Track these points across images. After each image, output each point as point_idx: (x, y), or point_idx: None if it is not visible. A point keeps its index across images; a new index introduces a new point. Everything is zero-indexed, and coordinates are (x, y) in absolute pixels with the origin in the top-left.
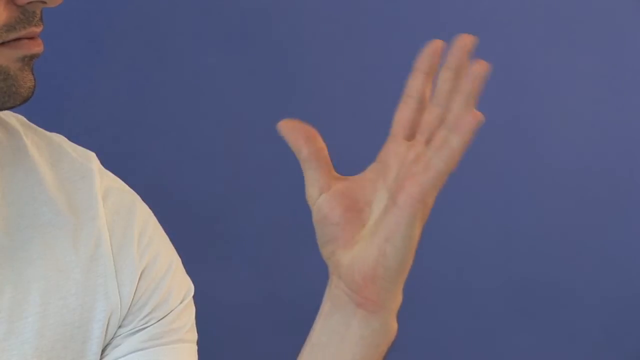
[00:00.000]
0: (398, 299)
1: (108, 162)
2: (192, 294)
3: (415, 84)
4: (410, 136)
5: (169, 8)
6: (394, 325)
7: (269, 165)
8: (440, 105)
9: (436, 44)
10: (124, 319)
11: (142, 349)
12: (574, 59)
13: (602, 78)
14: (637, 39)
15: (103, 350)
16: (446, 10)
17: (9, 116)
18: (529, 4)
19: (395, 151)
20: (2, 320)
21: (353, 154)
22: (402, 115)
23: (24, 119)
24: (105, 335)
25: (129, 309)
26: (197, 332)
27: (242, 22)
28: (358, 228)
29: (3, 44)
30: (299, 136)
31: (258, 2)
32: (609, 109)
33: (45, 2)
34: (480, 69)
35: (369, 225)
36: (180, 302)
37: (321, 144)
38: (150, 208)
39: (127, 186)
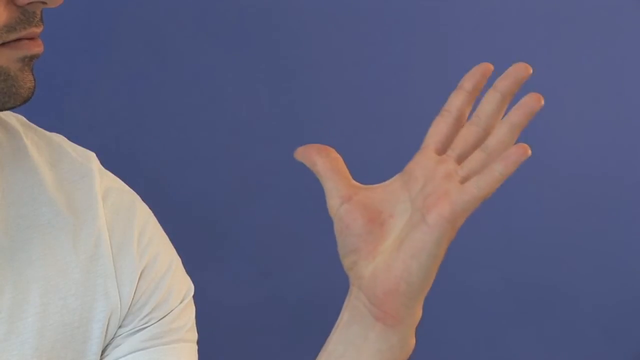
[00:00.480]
0: (418, 315)
1: (108, 162)
2: (192, 293)
3: (456, 100)
4: (441, 151)
5: (169, 8)
6: (411, 341)
7: (269, 166)
8: (481, 125)
9: (486, 67)
10: (124, 319)
11: (142, 349)
12: (574, 59)
13: (602, 78)
14: (637, 39)
15: (103, 350)
16: (446, 10)
17: (9, 116)
18: (529, 4)
19: (424, 164)
20: (2, 320)
21: (353, 154)
22: (438, 129)
23: (24, 119)
24: (106, 335)
25: (129, 308)
26: (198, 332)
27: (242, 22)
28: (381, 240)
29: (3, 44)
30: (312, 152)
31: (258, 2)
32: (609, 110)
33: (45, 3)
34: (535, 103)
35: (393, 238)
36: (180, 302)
37: (335, 154)
38: (150, 208)
39: (127, 186)
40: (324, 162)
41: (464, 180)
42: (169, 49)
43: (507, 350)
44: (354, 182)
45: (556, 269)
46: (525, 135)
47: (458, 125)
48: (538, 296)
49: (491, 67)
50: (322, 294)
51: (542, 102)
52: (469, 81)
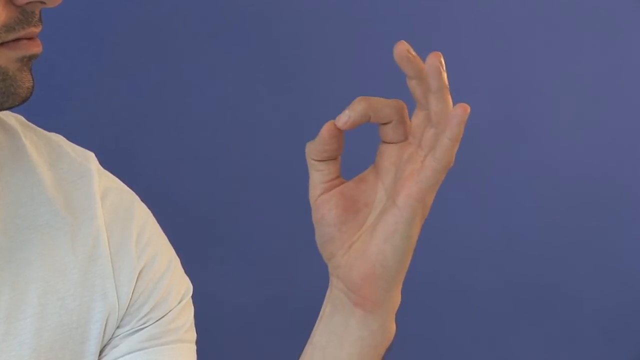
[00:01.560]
0: (396, 300)
1: (107, 162)
2: (191, 293)
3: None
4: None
5: (169, 8)
6: (392, 327)
7: (269, 166)
8: (423, 107)
9: (403, 49)
10: (122, 319)
11: (140, 349)
12: (573, 59)
13: (602, 78)
14: (637, 39)
15: (101, 351)
16: (447, 10)
17: (7, 116)
18: (529, 4)
19: (390, 153)
20: (0, 321)
21: (353, 154)
22: None
23: (23, 119)
24: (104, 336)
25: (127, 309)
26: (197, 332)
27: (242, 22)
28: (355, 229)
29: (2, 44)
30: (335, 140)
31: (258, 2)
32: (610, 110)
33: (44, 3)
34: (433, 61)
35: (367, 225)
36: (179, 302)
37: (342, 146)
38: (149, 208)
39: (125, 186)
40: (333, 149)
41: (425, 158)
42: (169, 49)
43: (507, 350)
44: (340, 178)
45: (556, 269)
46: (526, 135)
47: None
48: (538, 296)
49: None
50: (322, 294)
51: (439, 55)
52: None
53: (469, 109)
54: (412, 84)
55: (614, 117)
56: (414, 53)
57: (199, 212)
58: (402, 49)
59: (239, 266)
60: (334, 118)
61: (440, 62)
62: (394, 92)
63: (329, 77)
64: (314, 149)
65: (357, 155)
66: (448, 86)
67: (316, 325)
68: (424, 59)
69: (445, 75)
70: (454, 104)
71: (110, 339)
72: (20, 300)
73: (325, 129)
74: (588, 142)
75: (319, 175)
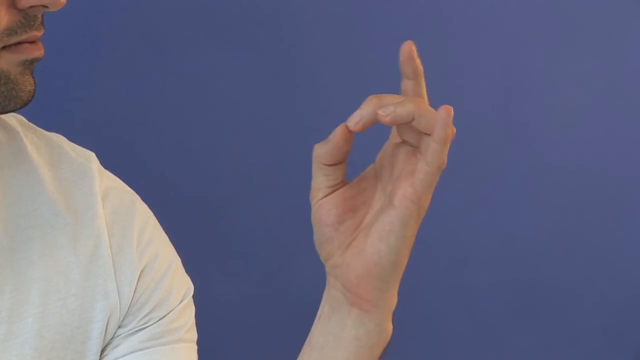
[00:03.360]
0: (393, 300)
1: (108, 162)
2: (192, 293)
3: (406, 88)
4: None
5: (168, 8)
6: (388, 327)
7: (270, 165)
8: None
9: (409, 48)
10: (123, 319)
11: (141, 349)
12: (574, 59)
13: (602, 78)
14: (637, 40)
15: (103, 351)
16: (447, 10)
17: (8, 116)
18: (528, 4)
19: (390, 152)
20: (1, 321)
21: (353, 153)
22: None
23: (24, 119)
24: (105, 336)
25: (128, 309)
26: (198, 332)
27: (241, 21)
28: (353, 229)
29: (4, 47)
30: (343, 144)
31: (258, 1)
32: (610, 110)
33: (47, 7)
34: (406, 53)
35: (364, 224)
36: (180, 302)
37: (349, 150)
38: (150, 208)
39: (126, 186)
40: (342, 154)
41: (418, 161)
42: (169, 48)
43: (506, 350)
44: (344, 180)
45: (556, 268)
46: (526, 134)
47: None
48: (538, 296)
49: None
50: (322, 295)
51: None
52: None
53: (452, 111)
54: (407, 84)
55: (614, 117)
56: (417, 55)
57: (199, 212)
58: (409, 49)
59: (239, 266)
60: (335, 117)
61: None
62: (395, 92)
63: (330, 76)
64: (325, 154)
65: (357, 155)
66: (425, 96)
67: (314, 325)
68: (426, 57)
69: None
70: (454, 102)
71: (112, 338)
72: (22, 300)
73: (339, 133)
74: (588, 142)
75: (325, 180)
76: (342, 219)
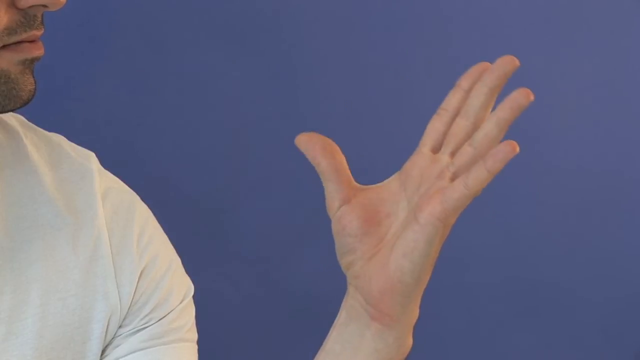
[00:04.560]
0: (414, 314)
1: (108, 162)
2: (192, 293)
3: (453, 99)
4: (438, 150)
5: (169, 8)
6: (408, 341)
7: (270, 164)
8: (470, 119)
9: (485, 66)
10: (124, 319)
11: (142, 349)
12: (574, 59)
13: (602, 78)
14: (637, 40)
15: (103, 351)
16: (447, 10)
17: (8, 116)
18: (529, 4)
19: (420, 164)
20: (1, 321)
21: (354, 153)
22: (435, 128)
23: (24, 119)
24: (105, 336)
25: (128, 309)
26: (198, 332)
27: (241, 21)
28: (377, 240)
29: (4, 47)
30: (316, 148)
31: (258, 1)
32: (610, 110)
33: (46, 6)
34: (524, 98)
35: (388, 237)
36: (180, 302)
37: (340, 155)
38: (150, 208)
39: (126, 186)
40: (328, 164)
41: (454, 176)
42: (169, 48)
43: (506, 349)
44: (354, 183)
45: (556, 268)
46: (527, 134)
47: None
48: (537, 296)
49: (489, 65)
50: (322, 294)
51: (532, 97)
52: (467, 80)
53: (517, 150)
54: (480, 91)
55: (614, 117)
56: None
57: (200, 211)
58: (513, 63)
59: (239, 266)
60: (336, 117)
61: (528, 98)
62: (395, 91)
63: (330, 76)
64: (326, 168)
65: (356, 154)
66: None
67: (330, 331)
68: (426, 57)
69: (520, 111)
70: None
71: (112, 338)
72: (22, 300)
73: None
74: (588, 142)
75: (333, 186)
76: (366, 230)
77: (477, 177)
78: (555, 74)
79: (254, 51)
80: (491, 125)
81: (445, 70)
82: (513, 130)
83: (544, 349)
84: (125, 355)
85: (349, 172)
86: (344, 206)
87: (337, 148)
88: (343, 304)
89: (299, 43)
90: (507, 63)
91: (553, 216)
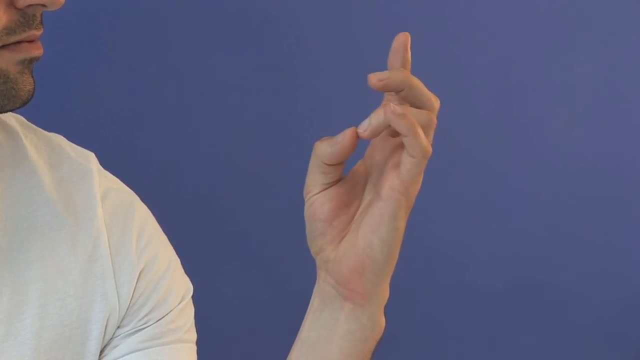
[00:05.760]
0: (385, 293)
1: (108, 162)
2: (191, 293)
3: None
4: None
5: (169, 8)
6: (381, 320)
7: (270, 164)
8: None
9: (403, 38)
10: (122, 320)
11: (141, 349)
12: (574, 59)
13: (602, 78)
14: (637, 40)
15: (101, 351)
16: (446, 10)
17: (8, 116)
18: (529, 4)
19: (379, 146)
20: (0, 321)
21: (354, 153)
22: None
23: (23, 119)
24: (104, 336)
25: (127, 309)
26: (198, 332)
27: (242, 21)
28: (346, 223)
29: (3, 47)
30: (350, 143)
31: (258, 1)
32: (610, 110)
33: (45, 6)
34: (401, 43)
35: (355, 219)
36: (179, 303)
37: (352, 152)
38: (149, 209)
39: (126, 187)
40: (342, 154)
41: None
42: (169, 48)
43: (506, 349)
44: (341, 176)
45: (556, 268)
46: (526, 134)
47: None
48: (538, 296)
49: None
50: None
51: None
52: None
53: (407, 39)
54: (396, 67)
55: (614, 117)
56: (409, 48)
57: (200, 212)
58: (404, 40)
59: (239, 266)
60: (336, 117)
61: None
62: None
63: (331, 75)
64: (329, 154)
65: (356, 154)
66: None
67: (304, 320)
68: (426, 57)
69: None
70: (454, 102)
71: (111, 339)
72: (21, 300)
73: (348, 137)
74: (589, 142)
75: (323, 178)
76: (335, 213)
77: (410, 143)
78: (555, 73)
79: (254, 51)
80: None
81: (446, 70)
82: (514, 131)
83: (544, 349)
84: (124, 355)
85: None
86: (321, 192)
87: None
88: (315, 290)
89: (300, 43)
90: (401, 40)
91: (553, 216)
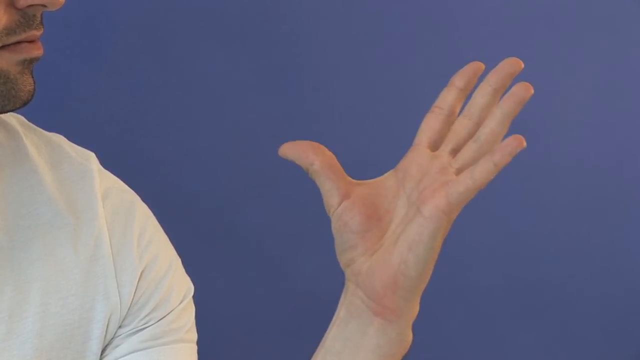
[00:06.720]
0: (415, 309)
1: (108, 162)
2: (192, 293)
3: (447, 97)
4: (434, 147)
5: (169, 8)
6: (409, 335)
7: (271, 164)
8: (473, 118)
9: (478, 66)
10: (123, 319)
11: (142, 349)
12: (574, 59)
13: (602, 78)
14: (637, 40)
15: (103, 351)
16: (446, 10)
17: (8, 116)
18: (529, 4)
19: (418, 160)
20: (2, 320)
21: (355, 153)
22: (429, 125)
23: (24, 119)
24: (105, 336)
25: (128, 309)
26: (198, 332)
27: (242, 21)
28: (378, 236)
29: (3, 47)
30: (306, 149)
31: (258, 1)
32: (610, 109)
33: (45, 6)
34: (526, 92)
35: (390, 233)
36: (180, 302)
37: (330, 152)
38: (150, 208)
39: (126, 186)
40: (321, 161)
41: (458, 172)
42: (169, 49)
43: (506, 349)
44: (349, 178)
45: (556, 268)
46: (528, 134)
47: (449, 121)
48: (538, 296)
49: (482, 65)
50: (323, 294)
51: (532, 90)
52: (461, 78)
53: (525, 144)
54: (485, 91)
55: (614, 117)
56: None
57: (200, 212)
58: (518, 65)
59: (239, 266)
60: (336, 116)
61: (529, 92)
62: (393, 91)
63: (331, 75)
64: (297, 159)
65: (357, 153)
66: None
67: (329, 329)
68: (426, 57)
69: (522, 104)
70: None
71: (112, 338)
72: (23, 299)
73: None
74: (588, 142)
75: (330, 183)
76: (367, 226)
77: (484, 170)
78: (555, 73)
79: (254, 51)
80: (495, 121)
81: (446, 70)
82: (514, 130)
83: (544, 349)
84: (125, 355)
85: (341, 167)
86: (345, 202)
87: (324, 147)
88: (341, 301)
89: (300, 43)
90: (512, 65)
91: (553, 216)
